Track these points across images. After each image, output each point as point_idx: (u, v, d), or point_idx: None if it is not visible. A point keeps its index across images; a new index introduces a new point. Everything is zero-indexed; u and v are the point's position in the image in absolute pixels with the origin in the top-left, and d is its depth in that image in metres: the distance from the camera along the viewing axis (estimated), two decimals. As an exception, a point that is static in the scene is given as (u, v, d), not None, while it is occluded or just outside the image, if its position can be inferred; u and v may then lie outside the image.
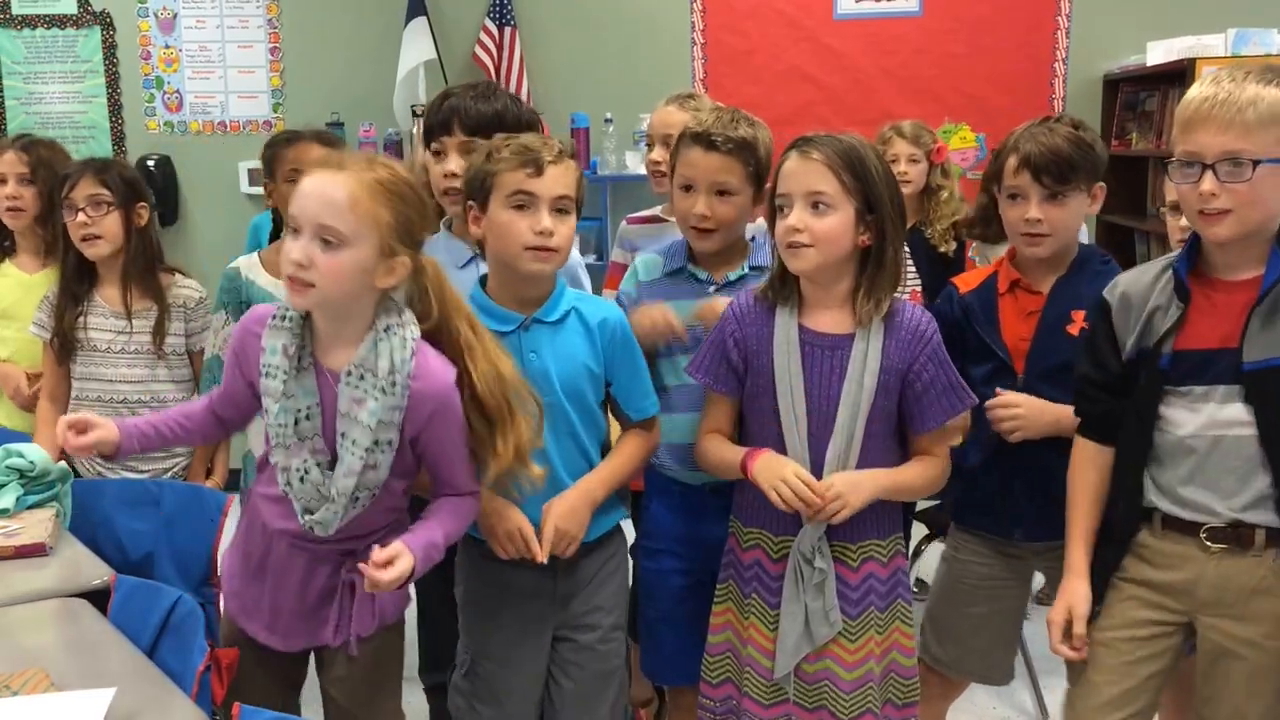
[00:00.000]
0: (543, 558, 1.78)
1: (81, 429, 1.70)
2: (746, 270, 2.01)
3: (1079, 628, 1.74)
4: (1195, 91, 1.59)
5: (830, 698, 1.81)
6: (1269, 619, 1.62)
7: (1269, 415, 1.59)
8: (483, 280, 1.88)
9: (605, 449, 1.93)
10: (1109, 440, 1.75)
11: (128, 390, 2.45)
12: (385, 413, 1.61)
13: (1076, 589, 1.75)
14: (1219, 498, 1.64)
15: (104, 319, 2.49)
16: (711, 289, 2.01)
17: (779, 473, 1.75)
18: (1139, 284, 1.70)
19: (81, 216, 2.44)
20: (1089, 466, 1.77)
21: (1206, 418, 1.63)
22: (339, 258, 1.57)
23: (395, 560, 1.58)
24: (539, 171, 1.77)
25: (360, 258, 1.58)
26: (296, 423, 1.65)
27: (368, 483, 1.65)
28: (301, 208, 1.59)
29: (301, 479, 1.66)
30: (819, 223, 1.73)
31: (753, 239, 2.07)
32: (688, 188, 1.97)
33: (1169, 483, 1.68)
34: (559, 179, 1.78)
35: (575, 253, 2.08)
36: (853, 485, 1.75)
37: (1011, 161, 1.96)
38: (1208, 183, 1.55)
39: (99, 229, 2.45)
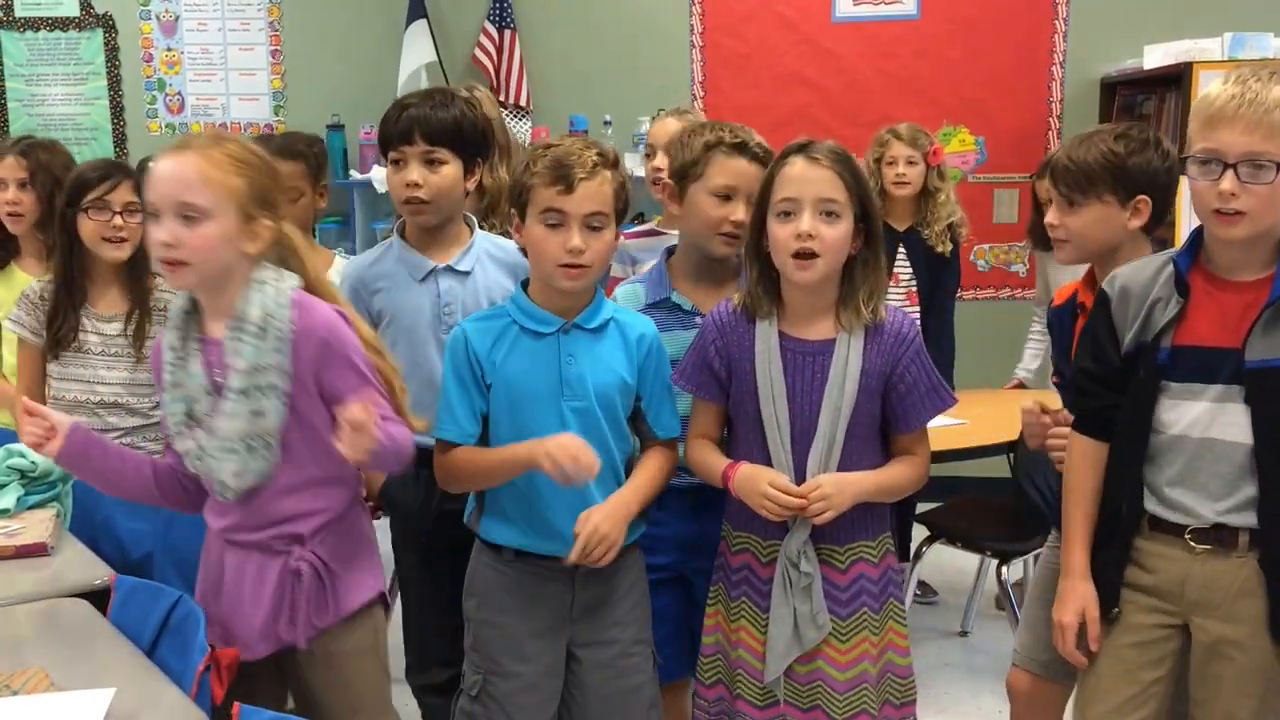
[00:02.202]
0: (574, 557, 1.74)
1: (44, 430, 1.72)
2: None
3: (1095, 629, 1.73)
4: (1221, 89, 1.57)
5: (824, 698, 1.82)
6: (1254, 620, 1.63)
7: (1265, 416, 1.59)
8: (525, 283, 1.89)
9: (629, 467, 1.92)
10: (1105, 437, 1.74)
11: (105, 392, 2.44)
12: (260, 355, 1.65)
13: (1085, 591, 1.73)
14: (1204, 500, 1.64)
15: (91, 321, 2.48)
16: (698, 320, 2.00)
17: (758, 488, 1.76)
18: (1139, 277, 1.70)
19: (118, 220, 2.42)
20: (1086, 464, 1.76)
21: (1200, 416, 1.63)
22: (204, 230, 1.64)
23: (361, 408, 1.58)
24: (569, 189, 1.75)
25: (223, 227, 1.65)
26: (189, 412, 1.70)
27: (259, 430, 1.67)
28: (157, 192, 1.65)
29: (199, 456, 1.70)
30: (831, 231, 1.73)
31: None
32: (726, 196, 1.97)
33: (1157, 483, 1.68)
34: (592, 195, 1.76)
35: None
36: (839, 486, 1.76)
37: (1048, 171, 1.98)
38: (1227, 182, 1.54)
39: (129, 235, 2.45)
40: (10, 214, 2.72)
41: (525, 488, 1.82)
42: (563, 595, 1.86)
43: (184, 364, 1.71)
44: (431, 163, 2.04)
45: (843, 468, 1.79)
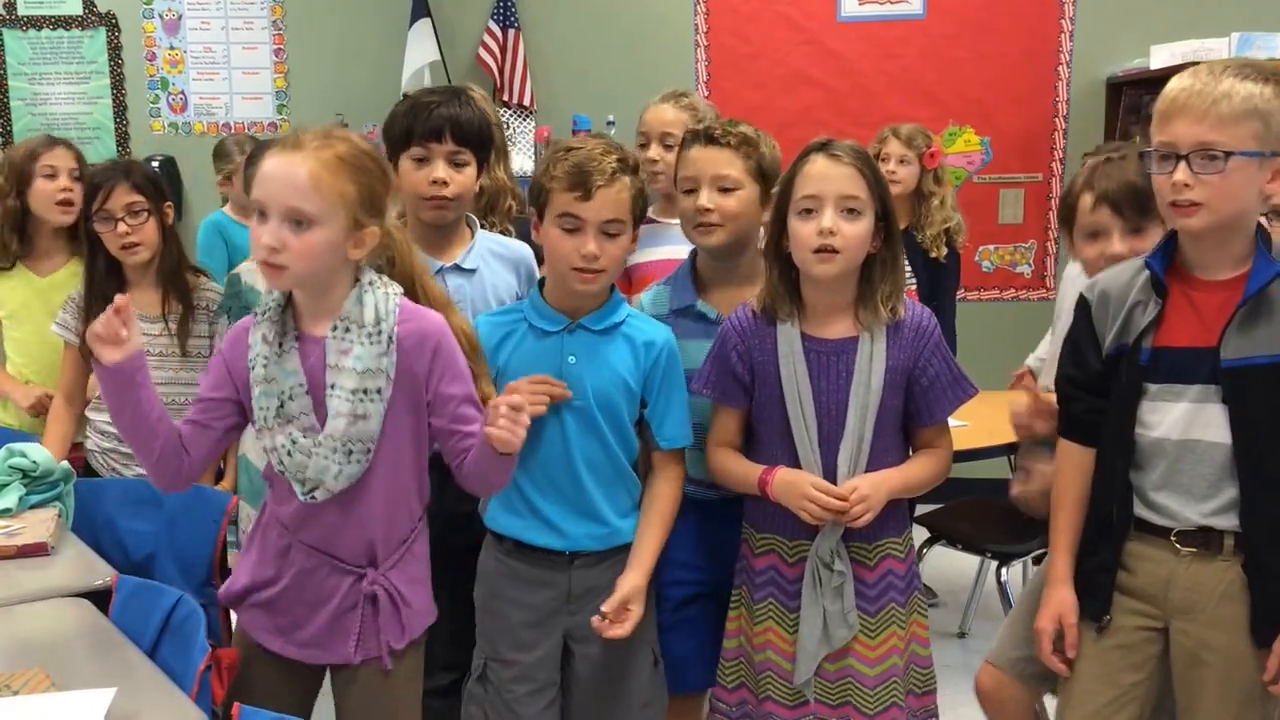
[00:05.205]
0: (622, 630, 1.80)
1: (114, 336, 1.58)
2: None
3: (1072, 636, 1.73)
4: (1173, 84, 1.60)
5: (855, 694, 1.83)
6: (1236, 625, 1.62)
7: (1242, 414, 1.59)
8: (542, 281, 1.91)
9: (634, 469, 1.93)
10: (1091, 442, 1.74)
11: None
12: (372, 359, 1.62)
13: (1064, 597, 1.73)
14: (1189, 502, 1.63)
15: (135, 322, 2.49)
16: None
17: (800, 491, 1.77)
18: (1118, 281, 1.71)
19: (122, 226, 2.41)
20: (1073, 470, 1.76)
21: (1180, 417, 1.63)
22: (310, 237, 1.58)
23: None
24: (587, 195, 1.77)
25: (330, 235, 1.60)
26: (281, 405, 1.65)
27: (359, 434, 1.63)
28: (267, 191, 1.59)
29: (289, 453, 1.65)
30: (851, 228, 1.74)
31: None
32: (690, 190, 1.97)
33: (1142, 486, 1.68)
34: (609, 202, 1.78)
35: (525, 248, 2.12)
36: (874, 486, 1.77)
37: (1087, 200, 1.93)
38: (1181, 173, 1.56)
39: (139, 237, 2.43)
40: (61, 202, 2.70)
41: (524, 483, 1.85)
42: (558, 587, 1.87)
43: (280, 360, 1.66)
44: (456, 163, 2.04)
45: (870, 465, 1.80)
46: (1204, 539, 1.63)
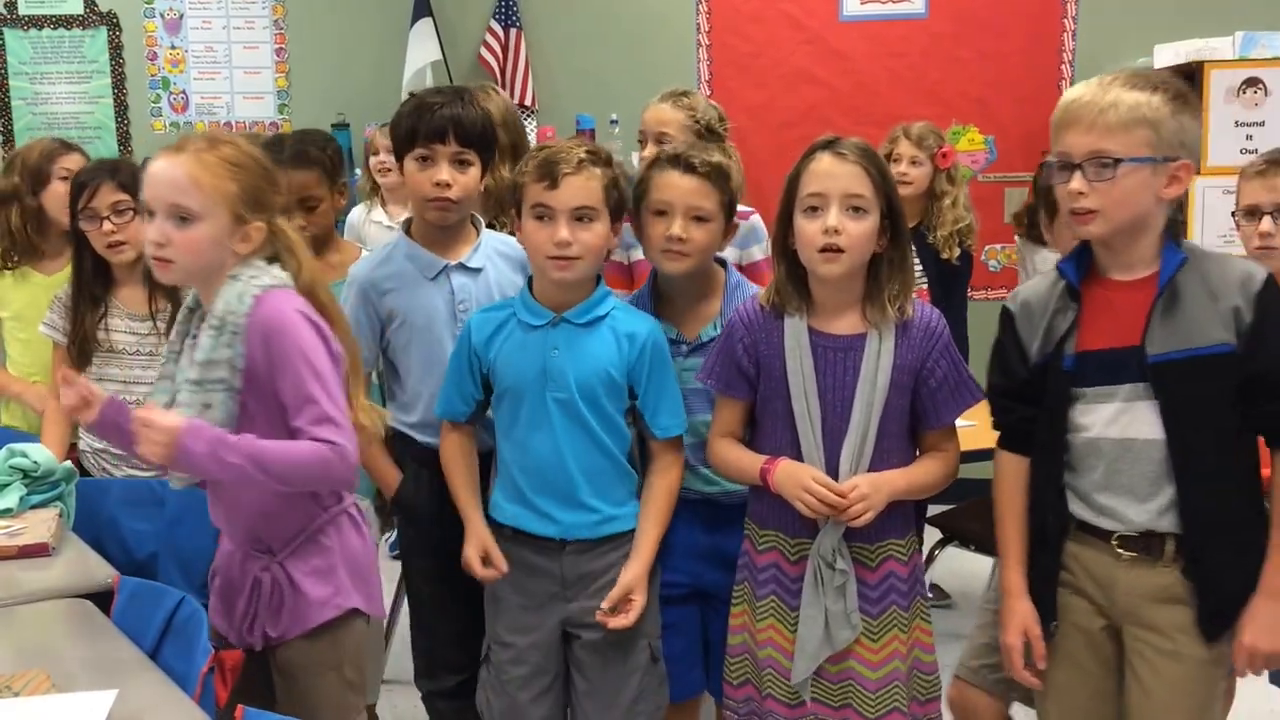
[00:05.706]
0: (626, 620, 1.88)
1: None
2: (719, 331, 1.96)
3: (1040, 647, 1.73)
4: (1066, 95, 1.65)
5: (856, 696, 1.82)
6: (1180, 629, 1.63)
7: (1172, 408, 1.60)
8: (531, 280, 1.96)
9: (630, 459, 1.95)
10: (1025, 450, 1.75)
11: (142, 391, 2.43)
12: (212, 349, 1.65)
13: (1025, 610, 1.73)
14: (1131, 502, 1.64)
15: (122, 320, 2.48)
16: (684, 348, 1.99)
17: (800, 482, 1.76)
18: (1039, 290, 1.73)
19: (107, 225, 2.40)
20: (1012, 480, 1.76)
21: (1114, 417, 1.64)
22: (193, 232, 1.67)
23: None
24: (554, 184, 1.83)
25: (212, 230, 1.68)
26: (171, 402, 1.70)
27: (207, 421, 1.64)
28: (152, 191, 1.68)
29: None
30: (857, 226, 1.74)
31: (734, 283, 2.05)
32: (661, 212, 1.96)
33: (1084, 488, 1.68)
34: (577, 190, 1.83)
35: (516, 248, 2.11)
36: (875, 486, 1.76)
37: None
38: (1075, 181, 1.60)
39: (125, 235, 2.42)
40: None
41: (517, 475, 1.91)
42: (553, 574, 1.92)
43: (176, 358, 1.75)
44: (460, 163, 2.04)
45: (874, 464, 1.79)
46: (1145, 544, 1.64)
